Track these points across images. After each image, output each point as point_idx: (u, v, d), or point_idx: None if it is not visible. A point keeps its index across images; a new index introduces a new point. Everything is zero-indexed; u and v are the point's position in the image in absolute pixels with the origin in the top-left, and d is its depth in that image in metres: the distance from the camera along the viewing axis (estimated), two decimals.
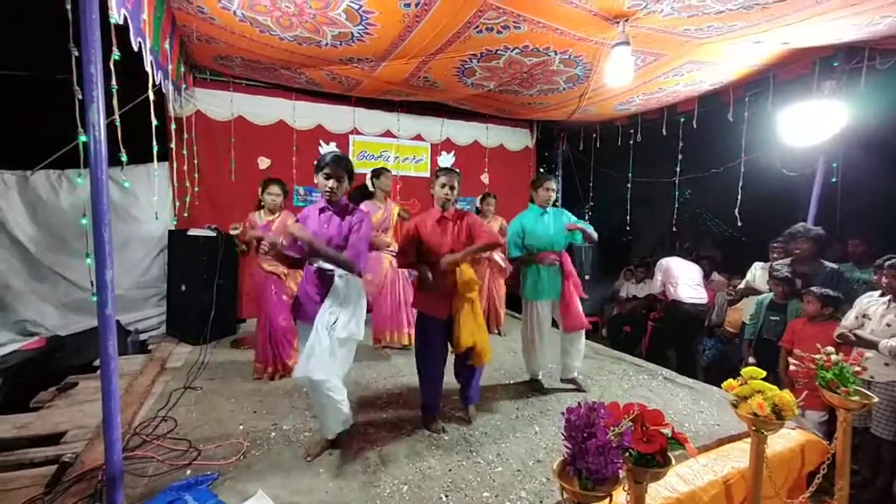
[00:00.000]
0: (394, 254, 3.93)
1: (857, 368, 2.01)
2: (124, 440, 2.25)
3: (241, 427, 2.58)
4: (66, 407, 2.78)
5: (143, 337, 4.29)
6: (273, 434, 2.52)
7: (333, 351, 2.13)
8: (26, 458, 2.22)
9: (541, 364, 3.30)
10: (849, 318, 2.83)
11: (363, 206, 3.84)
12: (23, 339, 3.85)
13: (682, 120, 4.79)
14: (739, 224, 4.23)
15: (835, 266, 3.40)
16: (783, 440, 2.46)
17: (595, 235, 3.12)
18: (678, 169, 4.98)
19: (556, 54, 3.42)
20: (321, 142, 5.14)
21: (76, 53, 1.48)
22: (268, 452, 2.33)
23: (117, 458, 1.67)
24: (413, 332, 3.82)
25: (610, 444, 1.25)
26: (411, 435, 2.56)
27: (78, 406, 2.78)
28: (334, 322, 2.15)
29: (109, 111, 1.68)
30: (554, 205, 3.21)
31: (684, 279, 4.29)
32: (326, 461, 2.27)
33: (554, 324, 3.35)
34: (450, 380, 2.82)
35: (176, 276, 4.20)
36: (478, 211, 4.63)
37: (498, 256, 4.30)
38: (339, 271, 2.22)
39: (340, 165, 2.22)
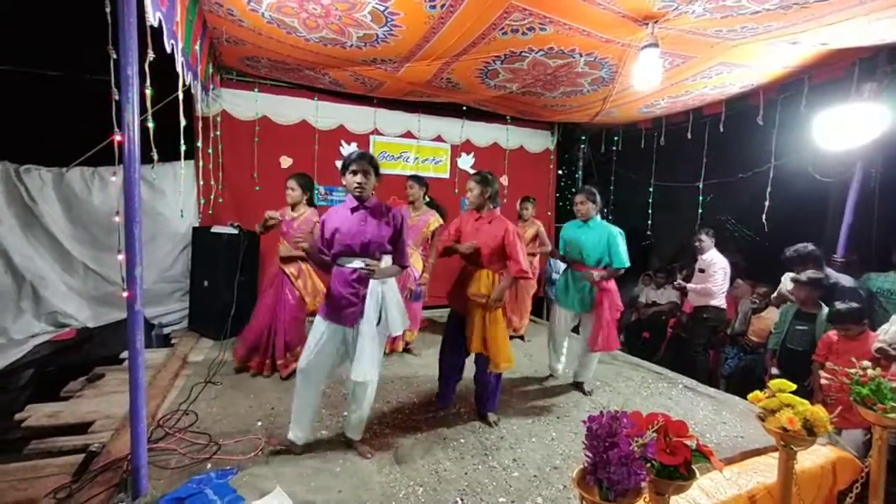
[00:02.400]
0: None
1: None
2: (148, 432, 2.30)
3: (260, 423, 2.62)
4: (94, 397, 2.86)
5: (166, 331, 4.40)
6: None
7: (376, 349, 2.22)
8: (56, 446, 2.30)
9: (555, 366, 3.54)
10: (888, 332, 2.70)
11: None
12: (54, 329, 4.00)
13: (708, 123, 4.66)
14: (766, 230, 4.10)
15: (844, 282, 3.30)
16: (813, 456, 2.37)
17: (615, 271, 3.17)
18: (703, 173, 4.85)
19: (581, 56, 3.37)
20: (342, 142, 5.19)
21: (114, 56, 1.52)
22: (285, 449, 2.36)
23: (142, 450, 1.71)
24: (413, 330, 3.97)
25: (633, 454, 1.22)
26: (427, 437, 2.57)
27: (105, 397, 2.87)
28: (378, 321, 2.22)
29: (142, 110, 1.72)
30: (607, 219, 3.38)
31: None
32: (343, 460, 2.28)
33: (575, 329, 3.44)
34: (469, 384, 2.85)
35: (199, 272, 4.29)
36: (518, 216, 4.60)
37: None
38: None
39: (365, 159, 2.20)
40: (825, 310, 3.25)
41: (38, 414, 2.60)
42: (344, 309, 2.20)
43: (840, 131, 3.29)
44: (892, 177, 3.61)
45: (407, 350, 4.02)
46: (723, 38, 2.98)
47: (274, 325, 3.27)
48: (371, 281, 2.19)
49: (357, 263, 2.20)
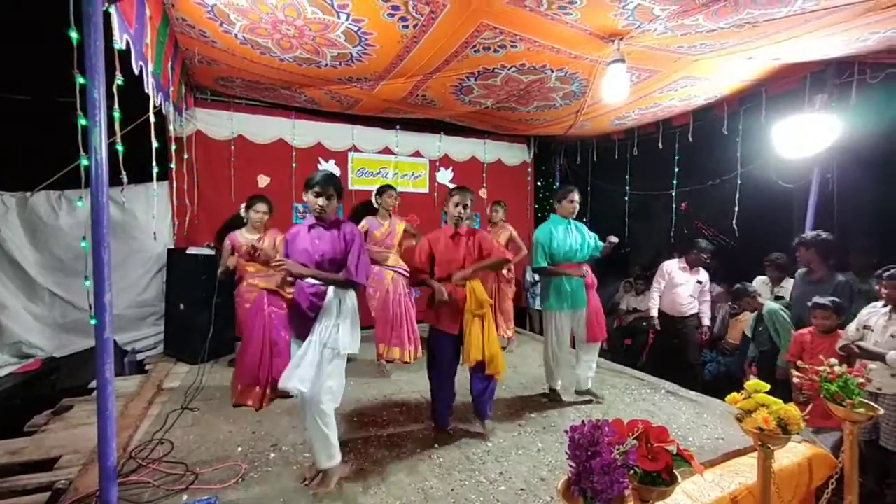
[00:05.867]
0: (396, 269, 3.96)
1: (862, 380, 1.99)
2: (119, 465, 2.20)
3: (240, 449, 2.53)
4: (61, 431, 2.73)
5: (139, 357, 4.24)
6: (272, 455, 2.48)
7: (322, 365, 2.11)
8: (19, 484, 2.17)
9: (563, 376, 3.35)
10: (850, 330, 2.81)
11: (365, 220, 3.89)
12: (18, 361, 3.81)
13: (678, 133, 4.84)
14: (737, 235, 4.25)
15: (842, 278, 3.39)
16: (790, 454, 2.43)
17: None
18: (675, 181, 5.02)
19: (552, 72, 3.48)
20: (320, 159, 5.18)
21: (81, 80, 1.49)
22: (267, 475, 2.29)
23: (112, 485, 1.63)
24: (413, 349, 3.91)
25: (615, 462, 1.23)
26: (413, 454, 2.53)
27: (72, 430, 2.73)
28: (327, 337, 2.13)
29: (110, 132, 1.69)
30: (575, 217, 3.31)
31: None
32: None
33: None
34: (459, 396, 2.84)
35: (174, 294, 4.18)
36: (487, 220, 4.64)
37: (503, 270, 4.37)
38: (331, 286, 2.21)
39: (329, 183, 2.24)
40: (767, 304, 3.59)
41: None
42: (304, 324, 2.20)
43: (797, 140, 3.47)
44: (847, 183, 3.81)
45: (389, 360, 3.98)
46: (684, 53, 3.13)
47: (267, 353, 3.13)
48: (328, 296, 2.18)
49: (313, 280, 2.19)
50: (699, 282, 4.29)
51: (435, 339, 2.72)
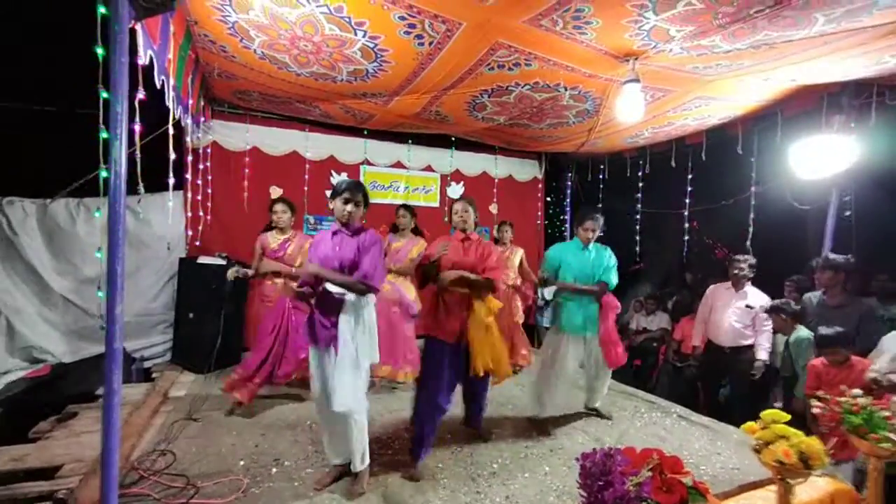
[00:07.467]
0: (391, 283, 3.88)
1: (888, 413, 1.90)
2: (121, 475, 2.19)
3: (242, 462, 2.50)
4: (65, 438, 2.72)
5: (147, 364, 4.26)
6: (274, 470, 2.44)
7: (354, 377, 2.17)
8: (21, 492, 2.15)
9: (552, 403, 3.14)
10: (882, 362, 2.70)
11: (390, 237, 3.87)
12: (28, 366, 3.84)
13: (691, 152, 4.81)
14: (753, 256, 4.17)
15: (868, 303, 3.28)
16: (810, 489, 2.31)
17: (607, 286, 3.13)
18: (687, 200, 4.96)
19: (566, 90, 3.49)
20: (333, 172, 5.23)
21: (105, 95, 1.52)
22: (268, 490, 2.25)
23: (113, 498, 1.61)
24: (409, 370, 3.76)
25: (628, 494, 1.19)
26: (416, 474, 2.47)
27: (76, 438, 2.72)
28: (351, 349, 2.16)
29: (130, 144, 1.72)
30: (601, 241, 3.19)
31: None
32: (329, 501, 2.18)
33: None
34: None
35: (184, 303, 4.20)
36: (495, 241, 4.62)
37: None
38: (349, 294, 2.21)
39: (358, 190, 2.28)
40: (798, 331, 3.37)
41: (2, 457, 2.45)
42: (319, 331, 2.20)
43: (814, 161, 3.41)
44: (866, 206, 3.73)
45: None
46: (699, 73, 3.12)
47: (278, 350, 3.19)
48: (346, 305, 2.18)
49: (329, 286, 2.19)
50: (748, 306, 3.57)
51: (431, 350, 2.57)
